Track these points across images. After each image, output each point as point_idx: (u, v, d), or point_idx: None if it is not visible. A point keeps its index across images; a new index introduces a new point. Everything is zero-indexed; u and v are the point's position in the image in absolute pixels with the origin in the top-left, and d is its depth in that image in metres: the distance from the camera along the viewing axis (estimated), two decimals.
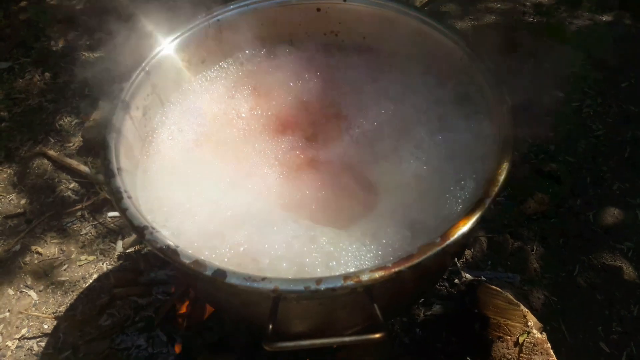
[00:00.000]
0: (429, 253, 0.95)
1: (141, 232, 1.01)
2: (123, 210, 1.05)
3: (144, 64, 1.32)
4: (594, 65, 2.71)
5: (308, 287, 0.92)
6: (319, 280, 0.92)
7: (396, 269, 0.93)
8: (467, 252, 2.00)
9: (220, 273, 0.95)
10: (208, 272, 0.95)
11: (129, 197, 1.08)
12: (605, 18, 3.00)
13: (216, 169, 1.34)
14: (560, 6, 3.09)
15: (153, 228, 1.02)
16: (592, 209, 2.14)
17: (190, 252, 0.99)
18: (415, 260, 0.94)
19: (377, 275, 0.92)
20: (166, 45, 1.39)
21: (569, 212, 2.13)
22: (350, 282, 0.92)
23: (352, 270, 1.08)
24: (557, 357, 1.37)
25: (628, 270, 1.95)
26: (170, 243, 1.00)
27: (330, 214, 1.26)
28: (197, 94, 1.46)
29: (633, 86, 2.60)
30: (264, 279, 0.93)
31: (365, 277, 0.92)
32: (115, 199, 1.08)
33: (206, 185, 1.29)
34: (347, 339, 0.94)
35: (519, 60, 2.75)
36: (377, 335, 0.92)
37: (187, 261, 0.97)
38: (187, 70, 1.45)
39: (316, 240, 1.15)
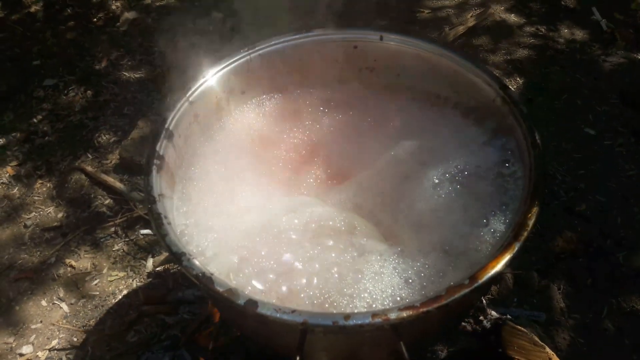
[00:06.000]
0: (457, 295, 0.97)
1: (179, 258, 1.06)
2: (163, 236, 1.10)
3: (188, 95, 1.38)
4: (627, 103, 2.69)
5: (336, 322, 0.94)
6: (347, 316, 0.95)
7: (424, 309, 0.95)
8: (493, 289, 1.99)
9: (252, 303, 0.98)
10: (240, 302, 0.99)
11: (169, 223, 1.13)
12: None
13: (251, 196, 1.38)
14: (594, 43, 3.09)
15: (190, 255, 1.06)
16: (622, 251, 2.10)
17: (224, 280, 1.03)
18: (443, 302, 0.96)
19: (404, 314, 0.94)
20: (210, 77, 1.45)
21: (598, 253, 2.10)
22: (378, 320, 0.94)
23: (378, 305, 1.10)
24: None
25: None
26: (205, 270, 1.04)
27: (361, 241, 1.28)
28: (236, 124, 1.51)
29: None
30: (293, 311, 0.96)
31: (393, 316, 0.94)
32: (156, 225, 1.13)
33: (240, 212, 1.34)
34: None
35: (550, 97, 2.75)
36: None
37: (221, 289, 1.01)
38: (228, 101, 1.51)
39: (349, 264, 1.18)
